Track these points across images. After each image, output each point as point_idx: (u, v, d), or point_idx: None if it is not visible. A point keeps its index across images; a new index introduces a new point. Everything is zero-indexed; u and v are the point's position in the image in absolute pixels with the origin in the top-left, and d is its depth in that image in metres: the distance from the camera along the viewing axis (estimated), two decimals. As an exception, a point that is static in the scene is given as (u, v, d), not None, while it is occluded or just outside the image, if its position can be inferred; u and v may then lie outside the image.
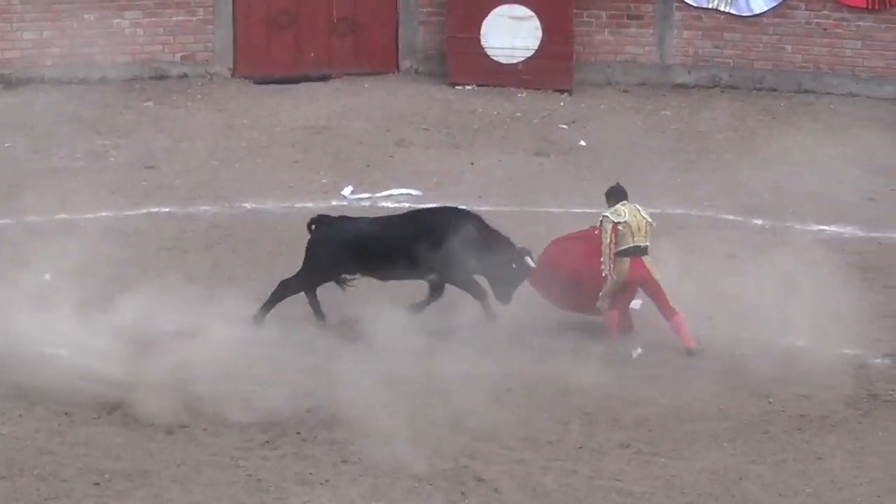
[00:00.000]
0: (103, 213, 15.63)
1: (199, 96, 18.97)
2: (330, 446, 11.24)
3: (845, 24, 19.26)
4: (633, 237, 12.54)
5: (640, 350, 13.05)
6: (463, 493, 10.57)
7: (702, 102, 18.94)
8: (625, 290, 13.00)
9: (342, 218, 13.79)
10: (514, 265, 13.27)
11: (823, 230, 15.36)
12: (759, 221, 15.40)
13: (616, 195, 13.05)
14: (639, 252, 12.63)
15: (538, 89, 18.96)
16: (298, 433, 11.39)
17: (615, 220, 12.62)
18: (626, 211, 12.80)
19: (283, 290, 13.35)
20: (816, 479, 10.95)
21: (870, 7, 19.23)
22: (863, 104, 18.85)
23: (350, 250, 13.38)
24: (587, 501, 10.69)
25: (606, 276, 13.00)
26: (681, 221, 15.52)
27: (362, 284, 14.05)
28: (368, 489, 10.63)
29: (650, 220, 12.92)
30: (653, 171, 16.50)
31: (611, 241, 12.66)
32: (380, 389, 12.13)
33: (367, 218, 14.12)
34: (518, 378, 12.42)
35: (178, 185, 16.41)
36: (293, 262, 14.23)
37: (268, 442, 11.26)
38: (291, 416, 11.72)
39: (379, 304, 13.56)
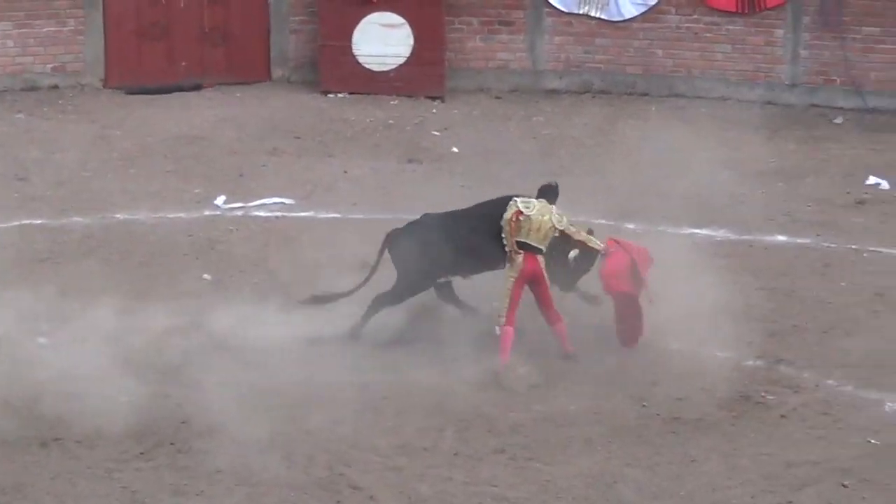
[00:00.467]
0: (-27, 226, 15.52)
1: (71, 107, 18.84)
2: (205, 456, 11.16)
3: (715, 28, 19.51)
4: (529, 234, 12.60)
5: (522, 370, 13.00)
6: (339, 502, 10.58)
7: (574, 108, 19.03)
8: (519, 286, 12.99)
9: (414, 224, 13.76)
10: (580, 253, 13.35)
11: (695, 233, 15.43)
12: (632, 225, 15.38)
13: (546, 193, 13.16)
14: (533, 249, 12.71)
15: (410, 96, 19.04)
16: (173, 444, 11.33)
17: (520, 208, 12.78)
18: (537, 208, 12.85)
19: (380, 304, 13.36)
20: (690, 482, 11.04)
21: (739, 11, 19.48)
22: (733, 107, 19.01)
23: (440, 251, 13.47)
24: (463, 507, 10.85)
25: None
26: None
27: (230, 291, 14.04)
28: (244, 499, 10.62)
29: (557, 225, 12.92)
30: (525, 176, 15.61)
31: (510, 226, 12.80)
32: (255, 399, 12.08)
33: (437, 216, 14.00)
34: (394, 385, 12.44)
35: (49, 196, 16.23)
36: (165, 273, 14.48)
37: (142, 453, 11.18)
38: (166, 427, 11.62)
39: (256, 312, 13.55)
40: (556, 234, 12.71)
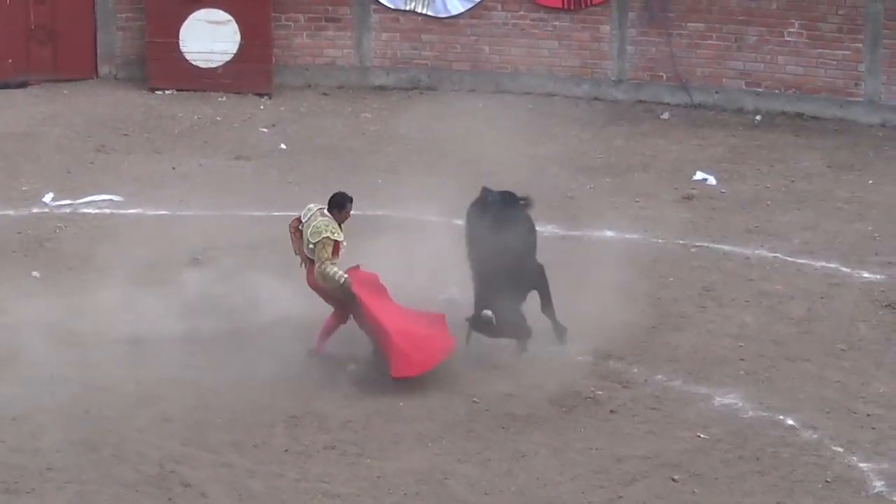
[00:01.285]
0: None
1: None
2: (35, 454, 11.20)
3: (542, 24, 19.77)
4: (304, 244, 12.88)
5: (352, 367, 13.13)
6: (170, 499, 10.66)
7: (402, 104, 19.36)
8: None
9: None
10: None
11: (524, 229, 15.32)
12: (461, 221, 14.99)
13: (333, 203, 13.23)
14: (308, 257, 12.90)
15: (238, 93, 19.30)
16: (3, 441, 11.33)
17: (301, 216, 12.95)
18: (311, 214, 13.02)
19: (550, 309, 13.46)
20: (521, 477, 11.25)
21: (565, 7, 19.79)
22: (560, 104, 19.32)
23: None
24: (294, 504, 11.14)
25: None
26: (384, 223, 15.79)
27: (60, 288, 14.16)
28: (74, 497, 10.67)
29: (310, 238, 12.95)
30: (353, 173, 16.79)
31: (293, 230, 13.06)
32: (85, 396, 12.15)
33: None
34: (224, 381, 12.54)
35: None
36: None
37: None
38: None
39: (84, 309, 13.67)
40: (311, 246, 12.83)
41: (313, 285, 12.67)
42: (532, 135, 17.61)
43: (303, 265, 12.84)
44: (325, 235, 12.47)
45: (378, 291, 13.11)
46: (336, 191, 13.31)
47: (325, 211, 12.71)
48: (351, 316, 13.06)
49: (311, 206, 12.91)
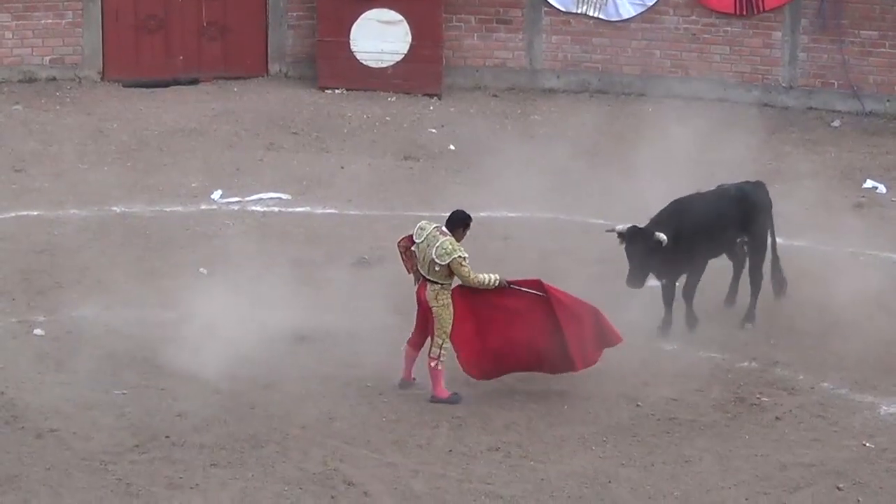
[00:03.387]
0: (-28, 217, 15.75)
1: (69, 100, 18.79)
2: (200, 450, 11.13)
3: (713, 29, 19.40)
4: (419, 262, 12.58)
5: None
6: (333, 497, 10.56)
7: (571, 107, 18.91)
8: (421, 312, 12.91)
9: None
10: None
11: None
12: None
13: (452, 222, 12.77)
14: (424, 276, 12.67)
15: (408, 93, 19.09)
16: (168, 437, 11.30)
17: (414, 236, 12.69)
18: (427, 234, 12.63)
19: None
20: (685, 482, 11.04)
21: (738, 13, 19.37)
22: (730, 109, 19.02)
23: None
24: (456, 505, 10.86)
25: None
26: (550, 226, 15.69)
27: (226, 285, 13.86)
28: (238, 493, 10.62)
29: (438, 259, 12.51)
30: (521, 175, 16.48)
31: (404, 244, 12.82)
32: (252, 394, 12.18)
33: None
34: (388, 381, 12.37)
35: (47, 188, 16.30)
36: (162, 267, 14.48)
37: (137, 446, 11.16)
38: (161, 420, 11.59)
39: (251, 307, 13.45)
40: (437, 268, 12.52)
41: (424, 301, 12.57)
42: (702, 140, 17.00)
43: (416, 283, 12.73)
44: (457, 255, 12.34)
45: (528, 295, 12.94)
46: (457, 209, 12.91)
47: (444, 229, 12.48)
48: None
49: (424, 224, 12.67)
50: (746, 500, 10.88)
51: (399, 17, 19.27)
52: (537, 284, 12.75)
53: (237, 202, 16.18)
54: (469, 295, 12.62)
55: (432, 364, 12.36)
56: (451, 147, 17.64)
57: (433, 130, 18.16)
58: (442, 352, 12.35)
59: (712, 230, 13.96)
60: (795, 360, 12.99)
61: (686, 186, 14.78)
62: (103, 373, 12.58)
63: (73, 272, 14.45)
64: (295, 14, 19.71)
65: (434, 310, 12.24)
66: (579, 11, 19.43)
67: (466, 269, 12.18)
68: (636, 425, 11.81)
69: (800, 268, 14.45)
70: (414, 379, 12.74)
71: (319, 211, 16.20)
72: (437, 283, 12.24)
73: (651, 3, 19.42)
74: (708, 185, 14.84)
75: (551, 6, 19.48)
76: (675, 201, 13.89)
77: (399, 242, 12.72)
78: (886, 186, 16.72)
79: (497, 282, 12.46)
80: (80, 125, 18.03)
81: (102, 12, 19.17)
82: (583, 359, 12.62)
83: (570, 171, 16.62)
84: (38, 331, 13.39)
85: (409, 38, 19.27)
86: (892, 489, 11.23)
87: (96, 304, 13.76)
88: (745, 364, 12.81)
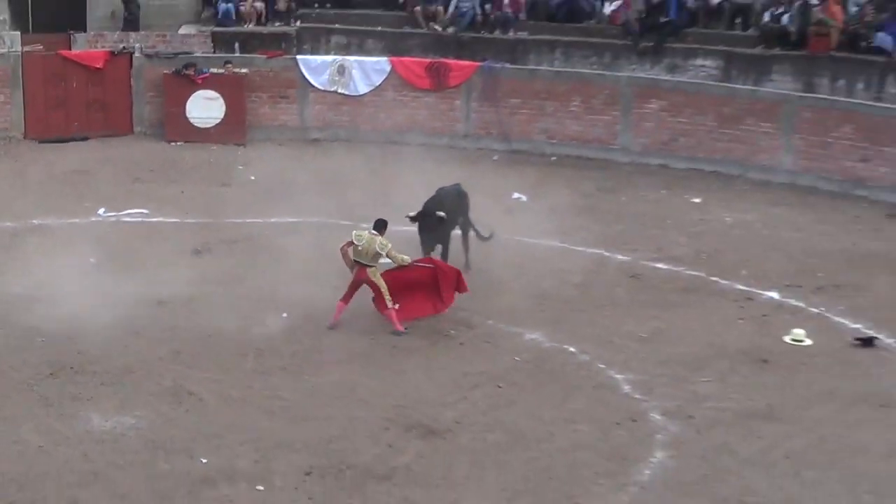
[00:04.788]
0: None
1: (3, 152, 22.14)
2: (93, 375, 13.38)
3: (417, 99, 23.45)
4: (362, 256, 14.32)
5: (285, 315, 15.02)
6: (180, 402, 12.67)
7: (329, 150, 22.59)
8: (353, 286, 14.76)
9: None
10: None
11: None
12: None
13: (377, 226, 14.69)
14: (363, 264, 14.46)
15: (224, 144, 22.75)
16: (72, 367, 13.58)
17: (352, 240, 14.56)
18: (365, 239, 14.55)
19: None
20: (403, 386, 13.23)
21: (433, 88, 23.40)
22: (428, 150, 21.91)
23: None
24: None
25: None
26: (320, 226, 17.91)
27: (112, 269, 15.99)
28: (118, 403, 12.72)
29: (380, 250, 14.47)
30: (299, 195, 19.09)
31: (344, 248, 14.54)
32: (123, 338, 14.22)
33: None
34: (213, 327, 14.68)
35: (-10, 208, 18.61)
36: (64, 258, 16.31)
37: (51, 374, 13.42)
38: (67, 356, 13.87)
39: (123, 284, 15.54)
40: (382, 253, 14.42)
41: (364, 280, 14.51)
42: (415, 168, 19.52)
43: (352, 271, 14.62)
44: (390, 246, 14.42)
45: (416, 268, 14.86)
46: (379, 218, 14.89)
47: (374, 232, 14.51)
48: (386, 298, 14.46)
49: (359, 232, 14.70)
50: (443, 395, 13.20)
51: (217, 95, 22.96)
52: (428, 260, 15.29)
53: (114, 216, 18.85)
54: (395, 272, 14.80)
55: (388, 310, 14.54)
56: (252, 178, 20.85)
57: (241, 167, 21.51)
58: (389, 302, 14.47)
59: (455, 211, 16.10)
60: (472, 306, 15.17)
61: (409, 195, 16.78)
62: (31, 328, 14.59)
63: (9, 263, 16.51)
64: (150, 94, 23.33)
65: (375, 282, 14.35)
66: (332, 90, 23.48)
67: (395, 253, 14.50)
68: (373, 351, 14.23)
69: (477, 246, 16.71)
70: (338, 323, 14.83)
71: (168, 220, 18.79)
72: (372, 266, 14.39)
73: (378, 84, 23.28)
74: (423, 194, 16.56)
75: (314, 87, 23.48)
76: (431, 198, 16.07)
77: (341, 248, 14.80)
78: (526, 197, 19.89)
79: (409, 260, 14.78)
80: (10, 168, 20.97)
81: (24, 95, 22.80)
82: (449, 302, 15.12)
83: (331, 191, 18.98)
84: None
85: (224, 109, 23.01)
86: (532, 386, 13.58)
87: (23, 284, 15.74)
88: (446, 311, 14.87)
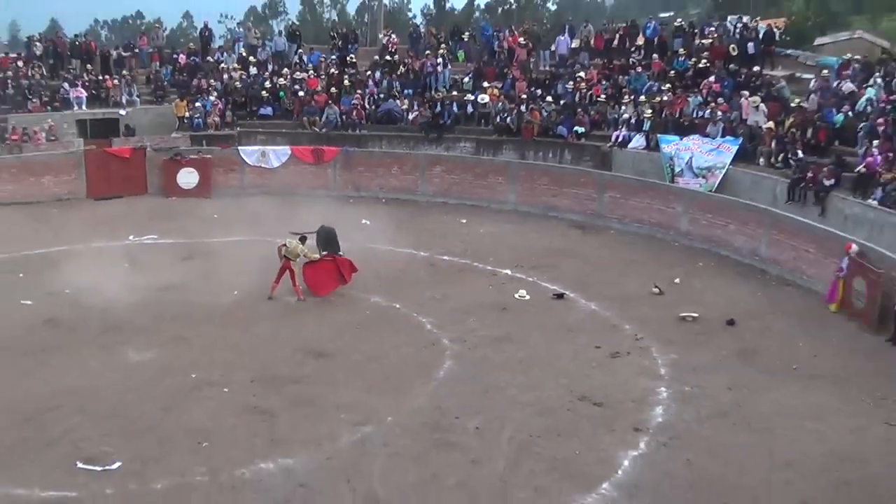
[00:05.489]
0: None
1: (75, 206, 26.83)
2: (126, 331, 15.73)
3: (305, 169, 29.60)
4: (289, 253, 17.09)
5: (236, 293, 17.83)
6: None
7: (259, 201, 27.07)
8: (281, 271, 17.34)
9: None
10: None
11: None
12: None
13: (301, 238, 17.17)
14: (289, 258, 17.36)
15: (200, 198, 28.22)
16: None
17: (285, 244, 17.30)
18: (292, 244, 17.25)
19: None
20: (247, 341, 15.58)
21: (314, 161, 29.52)
22: (309, 201, 25.78)
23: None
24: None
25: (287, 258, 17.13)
26: (248, 244, 21.59)
27: (147, 273, 19.04)
28: (142, 344, 14.86)
29: (300, 252, 16.92)
30: (241, 225, 22.91)
31: (280, 247, 17.29)
32: (124, 311, 16.75)
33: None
34: (190, 297, 17.66)
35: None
36: (111, 268, 19.00)
37: (103, 331, 15.80)
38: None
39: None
40: (301, 255, 17.29)
41: (287, 267, 17.15)
42: (303, 209, 22.86)
43: (282, 261, 17.32)
44: (308, 250, 17.20)
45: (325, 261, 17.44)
46: (303, 233, 17.78)
47: (298, 240, 17.10)
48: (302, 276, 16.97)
49: (289, 240, 17.34)
50: (327, 334, 15.93)
51: (194, 170, 29.10)
52: (332, 257, 17.88)
53: (138, 239, 23.04)
54: (311, 264, 17.39)
55: (296, 286, 17.08)
56: (215, 216, 25.87)
57: (209, 210, 26.85)
58: (299, 284, 16.95)
59: (331, 237, 18.64)
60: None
61: (302, 222, 19.27)
62: (91, 306, 17.08)
63: (77, 267, 19.16)
64: (156, 170, 28.62)
65: (293, 270, 17.11)
66: (258, 165, 29.72)
67: (310, 254, 17.09)
68: (288, 312, 17.19)
69: (345, 251, 18.87)
70: (273, 296, 17.27)
71: (168, 241, 22.84)
72: (293, 260, 17.10)
73: (284, 161, 29.74)
74: (313, 221, 19.32)
75: (249, 164, 29.56)
76: (322, 227, 18.36)
77: (278, 247, 17.28)
78: (370, 222, 23.97)
79: (318, 257, 17.14)
80: (77, 215, 25.29)
81: (86, 173, 27.90)
82: (348, 279, 17.83)
83: (261, 222, 23.34)
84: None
85: (198, 177, 29.09)
86: (375, 327, 16.73)
87: (84, 280, 18.20)
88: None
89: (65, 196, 28.47)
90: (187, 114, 31.16)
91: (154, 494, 11.79)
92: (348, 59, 34.50)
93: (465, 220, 26.94)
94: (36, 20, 61.08)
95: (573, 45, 34.08)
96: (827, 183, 22.80)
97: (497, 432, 13.51)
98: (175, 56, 34.76)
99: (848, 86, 25.93)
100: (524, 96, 31.10)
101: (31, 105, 30.45)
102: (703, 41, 31.27)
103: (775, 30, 31.36)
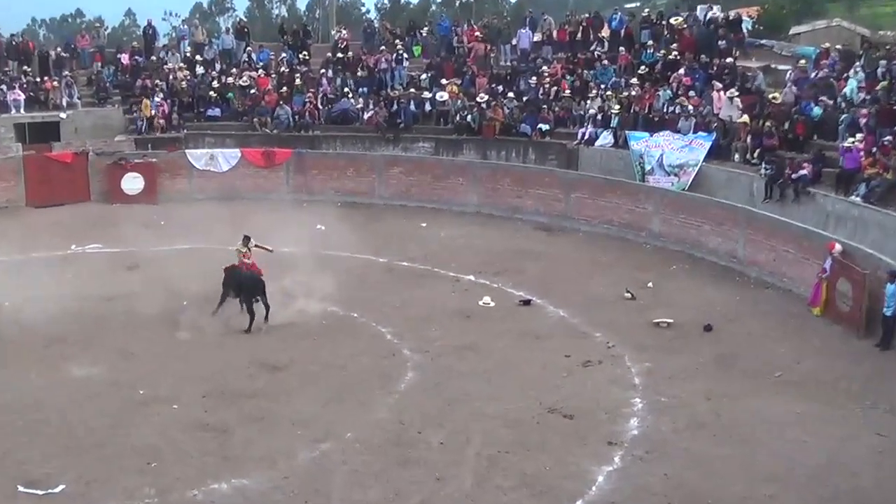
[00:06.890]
0: None
1: (14, 214, 26.91)
2: (71, 343, 15.84)
3: (257, 172, 30.09)
4: (238, 257, 17.48)
5: (185, 302, 17.98)
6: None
7: (207, 206, 27.18)
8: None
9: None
10: None
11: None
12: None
13: (245, 240, 17.46)
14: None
15: (144, 204, 28.47)
16: (59, 339, 16.07)
17: (237, 248, 17.63)
18: (239, 248, 17.59)
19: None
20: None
21: (265, 165, 29.94)
22: (265, 203, 26.77)
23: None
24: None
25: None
26: (198, 251, 21.59)
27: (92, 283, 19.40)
28: (88, 359, 14.94)
29: (242, 252, 17.19)
30: (191, 232, 22.79)
31: (238, 250, 17.47)
32: (96, 307, 16.94)
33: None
34: (143, 293, 17.97)
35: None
36: (54, 279, 19.51)
37: (45, 345, 15.82)
38: (54, 332, 16.34)
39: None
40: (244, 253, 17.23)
41: (244, 265, 17.29)
42: (254, 214, 23.85)
43: (238, 260, 17.49)
44: (243, 251, 17.34)
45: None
46: (244, 235, 17.82)
47: (241, 244, 17.41)
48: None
49: (239, 245, 17.52)
50: (281, 345, 16.12)
51: (139, 175, 29.51)
52: (256, 266, 17.81)
53: (81, 248, 23.35)
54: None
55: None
56: (162, 223, 25.95)
57: (156, 217, 26.76)
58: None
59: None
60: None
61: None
62: (32, 317, 17.20)
63: (18, 278, 19.55)
64: (99, 176, 29.28)
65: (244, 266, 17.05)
66: (207, 169, 30.12)
67: (249, 254, 17.29)
68: (238, 320, 17.18)
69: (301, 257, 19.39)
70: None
71: (113, 250, 23.10)
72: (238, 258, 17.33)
73: (234, 164, 30.29)
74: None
75: (197, 168, 30.04)
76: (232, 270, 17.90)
77: (236, 248, 17.58)
78: (324, 227, 24.16)
79: (272, 249, 17.32)
80: (17, 223, 25.61)
81: (25, 179, 28.32)
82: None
83: (208, 229, 22.82)
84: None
85: (143, 183, 29.54)
86: (333, 337, 16.59)
87: (25, 292, 18.56)
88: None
89: (3, 204, 28.68)
90: (152, 112, 31.83)
91: (99, 518, 11.84)
92: (300, 56, 35.24)
93: (425, 224, 27.19)
94: (-33, 20, 58.72)
95: (535, 39, 34.51)
96: (800, 174, 22.98)
97: (462, 447, 13.59)
98: (118, 56, 35.11)
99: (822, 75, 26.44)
100: (485, 95, 31.60)
101: (-35, 109, 30.96)
102: (671, 33, 31.91)
103: (747, 18, 31.81)
